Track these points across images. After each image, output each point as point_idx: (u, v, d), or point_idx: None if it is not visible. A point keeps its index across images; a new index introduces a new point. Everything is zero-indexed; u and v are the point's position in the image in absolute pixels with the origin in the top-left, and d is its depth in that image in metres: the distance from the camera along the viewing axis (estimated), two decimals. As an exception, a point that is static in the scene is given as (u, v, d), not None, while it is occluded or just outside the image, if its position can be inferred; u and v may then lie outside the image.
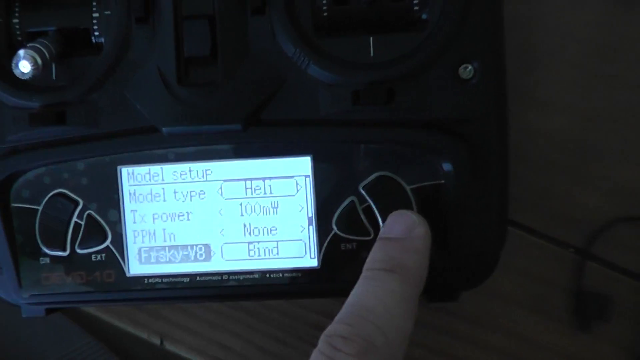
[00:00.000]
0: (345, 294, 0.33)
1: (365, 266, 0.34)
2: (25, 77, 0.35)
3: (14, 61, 0.35)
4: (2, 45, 0.38)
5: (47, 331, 0.57)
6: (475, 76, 0.35)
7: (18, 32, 0.38)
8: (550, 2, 0.43)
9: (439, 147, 0.35)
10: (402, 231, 0.34)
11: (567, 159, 0.43)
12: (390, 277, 0.33)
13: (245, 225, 0.37)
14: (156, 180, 0.37)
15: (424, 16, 0.36)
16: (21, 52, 0.35)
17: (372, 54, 0.35)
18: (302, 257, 0.37)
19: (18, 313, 0.43)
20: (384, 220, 0.36)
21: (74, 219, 0.38)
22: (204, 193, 0.37)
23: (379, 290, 0.32)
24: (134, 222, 0.38)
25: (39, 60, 0.35)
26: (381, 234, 0.35)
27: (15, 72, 0.35)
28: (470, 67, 0.35)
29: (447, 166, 0.35)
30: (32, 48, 0.35)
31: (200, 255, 0.37)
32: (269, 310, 0.43)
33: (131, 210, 0.38)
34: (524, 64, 0.42)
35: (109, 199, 0.38)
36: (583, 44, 0.42)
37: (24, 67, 0.35)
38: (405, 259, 0.33)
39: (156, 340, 0.44)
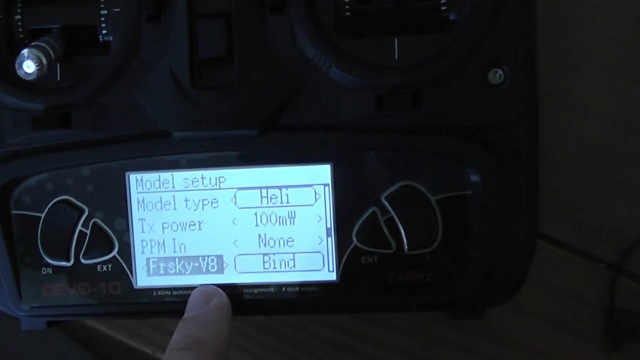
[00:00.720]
0: (366, 309, 0.34)
1: (168, 347, 0.35)
2: (29, 78, 0.36)
3: (17, 61, 0.35)
4: (3, 43, 0.39)
5: (42, 347, 0.58)
6: (506, 81, 0.35)
7: (20, 30, 0.38)
8: (582, 2, 0.43)
9: (466, 155, 0.36)
10: (199, 307, 0.36)
11: (600, 168, 0.43)
12: (186, 355, 0.34)
13: (260, 236, 0.37)
14: (166, 188, 0.38)
15: (452, 17, 0.36)
16: (25, 51, 0.35)
17: (396, 57, 0.36)
18: (320, 270, 0.37)
19: (12, 328, 0.43)
20: (407, 233, 0.36)
21: (79, 227, 0.38)
22: (217, 201, 0.37)
23: None
24: (142, 232, 0.38)
25: (44, 60, 0.36)
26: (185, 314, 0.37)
27: (19, 72, 0.35)
28: (500, 72, 0.35)
29: (474, 176, 0.36)
30: (36, 47, 0.36)
31: (213, 267, 0.38)
32: (282, 325, 0.44)
33: (139, 219, 0.38)
34: (555, 67, 0.43)
35: (116, 206, 0.38)
36: (617, 45, 0.43)
37: (28, 67, 0.36)
38: (200, 334, 0.35)
39: (162, 356, 0.45)
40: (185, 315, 0.36)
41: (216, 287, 0.37)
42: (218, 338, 0.35)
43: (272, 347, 0.44)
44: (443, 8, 0.36)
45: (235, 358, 0.44)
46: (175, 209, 0.38)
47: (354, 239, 0.37)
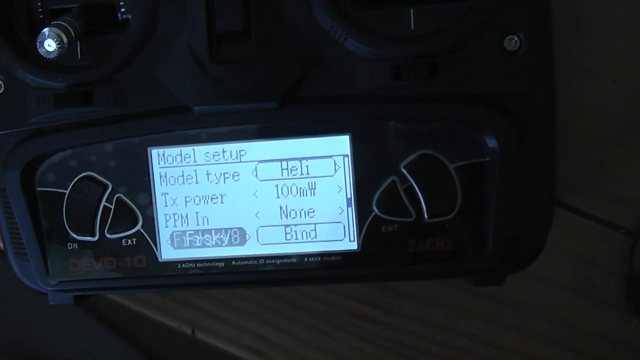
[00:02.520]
0: (387, 278, 0.35)
1: None
2: (51, 56, 0.37)
3: (38, 40, 0.37)
4: (23, 23, 0.40)
5: (62, 325, 0.60)
6: (521, 48, 0.36)
7: (40, 10, 0.40)
8: (598, -32, 0.44)
9: (483, 122, 0.37)
10: None
11: (618, 134, 0.44)
12: None
13: (281, 208, 0.39)
14: (188, 162, 0.39)
15: (467, -16, 0.37)
16: (46, 30, 0.37)
17: (412, 27, 0.37)
18: (341, 240, 0.39)
19: (37, 309, 0.45)
20: (426, 201, 0.38)
21: (103, 202, 0.40)
22: (238, 174, 0.39)
23: None
24: (166, 206, 0.40)
25: (65, 39, 0.37)
26: None
27: (40, 51, 0.37)
28: (516, 39, 0.36)
29: (492, 143, 0.37)
30: (56, 26, 0.37)
31: (235, 239, 0.39)
32: (305, 297, 0.46)
33: (162, 193, 0.40)
34: (572, 34, 0.43)
35: (139, 181, 0.40)
36: (634, 12, 0.44)
37: (50, 45, 0.37)
38: None
39: (188, 330, 0.46)
40: None
41: None
42: None
43: (295, 318, 0.46)
44: (459, -25, 0.37)
45: (259, 330, 0.46)
46: (197, 182, 0.39)
47: (374, 208, 0.38)
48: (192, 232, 0.40)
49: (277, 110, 0.38)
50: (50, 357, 0.58)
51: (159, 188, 0.40)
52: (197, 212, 0.39)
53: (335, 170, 0.38)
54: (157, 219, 0.40)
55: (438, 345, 0.45)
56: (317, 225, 0.39)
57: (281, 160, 0.39)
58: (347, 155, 0.38)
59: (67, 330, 0.59)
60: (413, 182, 0.38)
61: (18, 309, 0.55)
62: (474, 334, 0.45)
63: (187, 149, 0.39)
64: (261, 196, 0.39)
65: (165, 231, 0.40)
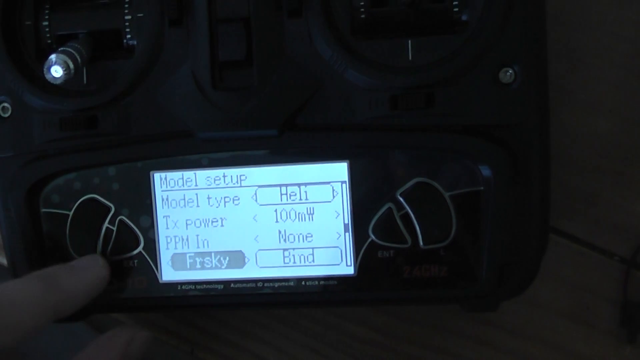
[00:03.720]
0: (383, 302, 0.36)
1: None
2: (57, 82, 0.38)
3: (45, 66, 0.38)
4: (31, 48, 0.42)
5: (65, 339, 0.61)
6: (516, 80, 0.38)
7: (48, 35, 0.41)
8: (595, 0, 0.45)
9: (478, 152, 0.38)
10: (82, 262, 0.41)
11: (612, 164, 0.45)
12: (35, 281, 0.38)
13: (280, 232, 0.40)
14: (189, 186, 0.41)
15: (464, 17, 0.38)
16: (53, 56, 0.38)
17: (410, 58, 0.38)
18: (338, 265, 0.40)
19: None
20: (421, 228, 0.39)
21: (106, 224, 0.41)
22: (238, 199, 0.40)
23: (20, 286, 0.38)
24: (167, 228, 0.41)
25: (71, 65, 0.39)
26: None
27: (47, 76, 0.38)
28: (511, 71, 0.38)
29: (486, 172, 0.38)
30: (63, 52, 0.39)
31: (234, 262, 0.41)
32: (303, 319, 0.47)
33: (164, 216, 0.41)
34: (568, 64, 0.45)
35: (141, 204, 0.41)
36: (630, 43, 0.45)
37: (56, 71, 0.38)
38: (61, 275, 0.39)
39: (186, 349, 0.47)
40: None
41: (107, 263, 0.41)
42: (74, 289, 0.39)
43: (293, 338, 0.47)
44: (455, 9, 0.39)
45: (257, 349, 0.47)
46: (198, 206, 0.41)
47: (371, 234, 0.40)
48: (193, 254, 0.41)
49: (277, 137, 0.39)
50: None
51: (161, 211, 0.41)
52: (197, 235, 0.41)
53: (334, 196, 0.40)
54: (159, 241, 0.41)
55: (434, 368, 0.46)
56: (314, 249, 0.40)
57: (280, 185, 0.40)
58: (345, 181, 0.40)
59: (67, 344, 0.61)
60: (409, 209, 0.39)
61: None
62: (469, 357, 0.46)
63: (188, 173, 0.41)
64: (260, 220, 0.40)
65: (166, 253, 0.41)
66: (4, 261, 0.50)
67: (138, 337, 0.41)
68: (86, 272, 0.40)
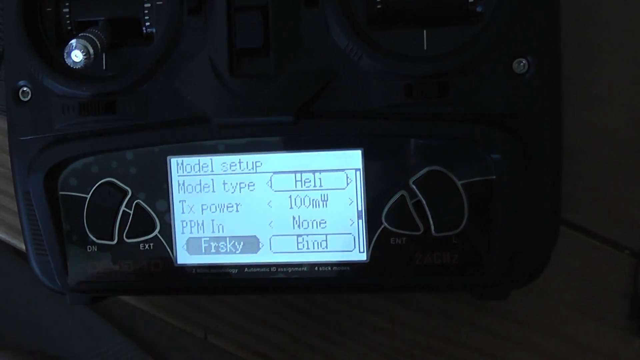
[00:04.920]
0: (394, 289, 0.37)
1: None
2: (77, 67, 0.40)
3: (66, 50, 0.40)
4: (51, 34, 0.43)
5: (76, 329, 0.62)
6: (529, 71, 0.39)
7: (68, 22, 0.43)
8: (608, -4, 0.46)
9: (491, 142, 0.39)
10: None
11: (624, 158, 0.46)
12: None
13: (294, 218, 0.41)
14: (205, 171, 0.42)
15: (478, 9, 0.39)
16: (73, 41, 0.40)
17: (425, 47, 0.39)
18: (351, 251, 0.41)
19: (50, 310, 0.47)
20: (434, 216, 0.40)
21: (123, 208, 0.42)
22: (254, 185, 0.41)
23: None
24: (183, 213, 0.42)
25: (91, 50, 0.40)
26: None
27: (67, 61, 0.40)
28: (524, 62, 0.39)
29: (498, 161, 0.39)
30: (84, 37, 0.40)
31: (248, 246, 0.42)
32: (314, 306, 0.48)
33: (180, 201, 0.42)
34: (580, 59, 0.46)
35: (158, 188, 0.42)
36: (642, 39, 0.46)
37: (76, 56, 0.40)
38: None
39: (200, 334, 0.49)
40: None
41: None
42: None
43: (305, 326, 0.48)
44: (470, 1, 0.39)
45: (269, 336, 0.48)
46: (214, 191, 0.42)
47: (384, 221, 0.41)
48: (208, 238, 0.42)
49: (293, 124, 0.40)
50: (66, 357, 0.60)
51: (177, 195, 0.42)
52: (212, 220, 0.42)
53: (347, 184, 0.41)
54: (174, 225, 0.42)
55: (443, 357, 0.47)
56: (328, 235, 0.41)
57: (295, 172, 0.41)
58: (359, 169, 0.41)
59: (82, 333, 0.62)
60: (421, 197, 0.40)
61: (36, 311, 0.58)
62: (478, 347, 0.47)
63: (205, 159, 0.42)
64: (275, 206, 0.41)
65: (181, 237, 0.42)
66: (22, 246, 0.51)
67: None
68: None
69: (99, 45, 0.40)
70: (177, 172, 0.42)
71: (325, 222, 0.41)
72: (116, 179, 0.43)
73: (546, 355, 0.46)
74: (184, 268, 0.42)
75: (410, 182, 0.40)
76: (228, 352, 0.48)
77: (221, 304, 0.49)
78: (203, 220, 0.42)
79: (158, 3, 0.42)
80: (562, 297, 0.46)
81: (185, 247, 0.42)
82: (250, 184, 0.42)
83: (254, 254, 0.42)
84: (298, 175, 0.41)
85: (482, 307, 0.47)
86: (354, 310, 0.48)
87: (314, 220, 0.41)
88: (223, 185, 0.42)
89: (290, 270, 0.42)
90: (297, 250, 0.41)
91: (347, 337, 0.48)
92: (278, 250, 0.42)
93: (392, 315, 0.47)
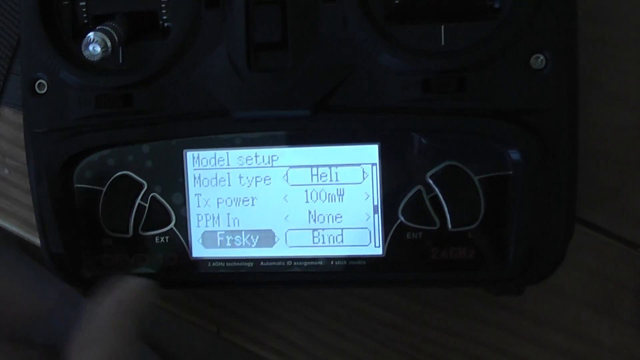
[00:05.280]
0: (410, 284, 0.37)
1: None
2: (94, 59, 0.40)
3: (83, 43, 0.40)
4: (68, 28, 0.43)
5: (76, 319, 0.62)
6: (547, 66, 0.39)
7: (85, 15, 0.43)
8: (625, -6, 0.46)
9: (508, 137, 0.39)
10: None
11: (638, 157, 0.46)
12: None
13: (310, 212, 0.41)
14: (221, 165, 0.42)
15: (496, 5, 0.40)
16: (91, 34, 0.40)
17: (443, 43, 0.40)
18: (367, 246, 0.41)
19: (55, 307, 0.47)
20: (450, 211, 0.40)
21: (138, 201, 0.43)
22: (270, 179, 0.42)
23: None
24: (198, 206, 0.42)
25: (109, 43, 0.40)
26: None
27: (85, 53, 0.40)
28: (542, 57, 0.39)
29: (515, 157, 0.39)
30: (101, 31, 0.40)
31: (264, 240, 0.42)
32: (329, 302, 0.48)
33: (195, 194, 0.42)
34: (598, 57, 0.46)
35: (174, 182, 0.42)
36: (659, 36, 0.46)
37: (94, 49, 0.40)
38: None
39: (213, 329, 0.49)
40: None
41: None
42: None
43: (318, 321, 0.48)
44: (488, -4, 0.40)
45: (282, 331, 0.48)
46: (229, 185, 0.42)
47: (400, 215, 0.41)
48: (223, 232, 0.42)
49: (310, 118, 0.40)
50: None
51: (193, 189, 0.42)
52: (228, 214, 0.42)
53: (364, 178, 0.41)
54: (190, 218, 0.42)
55: (457, 353, 0.47)
56: (344, 230, 0.41)
57: (311, 166, 0.41)
58: (376, 164, 0.41)
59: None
60: (438, 192, 0.40)
61: (47, 306, 0.58)
62: (492, 344, 0.47)
63: (221, 153, 0.42)
64: (291, 200, 0.42)
65: (197, 230, 0.42)
66: (35, 240, 0.51)
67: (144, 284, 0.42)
68: None
69: (116, 38, 0.40)
70: (193, 166, 0.42)
71: (341, 216, 0.41)
72: (132, 172, 0.43)
73: (559, 352, 0.46)
74: (199, 261, 0.43)
75: (427, 177, 0.40)
76: (241, 346, 0.48)
77: (234, 299, 0.49)
78: (219, 214, 0.42)
79: (175, -3, 0.42)
80: (575, 294, 0.46)
81: (200, 240, 0.42)
82: (266, 178, 0.42)
83: (269, 248, 0.42)
84: (314, 169, 0.41)
85: (495, 304, 0.47)
86: (367, 307, 0.48)
87: (330, 214, 0.41)
88: (239, 179, 0.42)
89: (305, 265, 0.42)
90: (312, 245, 0.42)
91: (361, 333, 0.48)
92: (294, 244, 0.42)
93: (406, 311, 0.47)
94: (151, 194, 0.43)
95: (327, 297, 0.48)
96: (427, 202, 0.40)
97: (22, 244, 0.61)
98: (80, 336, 0.39)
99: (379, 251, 0.41)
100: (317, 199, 0.41)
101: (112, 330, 0.39)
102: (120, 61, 0.42)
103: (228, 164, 0.42)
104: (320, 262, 0.42)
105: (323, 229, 0.41)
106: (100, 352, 0.38)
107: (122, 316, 0.40)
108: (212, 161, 0.42)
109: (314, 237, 0.42)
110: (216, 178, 0.42)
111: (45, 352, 0.56)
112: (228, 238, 0.42)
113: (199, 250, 0.42)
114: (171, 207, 0.42)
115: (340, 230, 0.41)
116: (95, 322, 0.39)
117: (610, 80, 0.46)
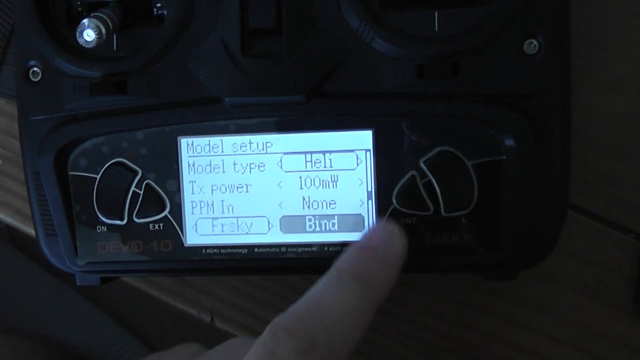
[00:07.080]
0: (403, 269, 0.37)
1: (335, 264, 0.36)
2: (89, 46, 0.40)
3: (78, 30, 0.40)
4: (62, 14, 0.43)
5: (77, 319, 0.62)
6: (540, 52, 0.39)
7: (78, 2, 0.43)
8: (617, -18, 0.47)
9: (501, 122, 0.39)
10: (381, 241, 0.37)
11: (632, 144, 0.46)
12: (354, 284, 0.35)
13: (304, 198, 0.41)
14: (216, 152, 0.42)
15: (489, -9, 0.40)
16: (85, 21, 0.40)
17: (436, 28, 0.40)
18: (361, 231, 0.41)
19: (54, 299, 0.47)
20: (444, 196, 0.40)
21: (133, 188, 0.43)
22: (264, 165, 0.42)
23: (339, 294, 0.35)
24: (193, 193, 0.42)
25: (103, 30, 0.40)
26: (360, 239, 0.38)
27: (79, 40, 0.40)
28: (535, 42, 0.39)
29: (509, 142, 0.39)
30: (96, 17, 0.40)
31: (259, 227, 0.42)
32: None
33: (190, 181, 0.42)
34: (590, 44, 0.46)
35: (168, 169, 0.42)
36: (651, 24, 0.46)
37: (89, 35, 0.40)
38: (375, 270, 0.36)
39: (207, 318, 0.49)
40: (363, 242, 0.38)
41: (402, 230, 0.38)
42: (388, 282, 0.36)
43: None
44: (481, -18, 0.40)
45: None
46: (224, 172, 0.42)
47: (394, 201, 0.41)
48: (217, 219, 0.42)
49: (304, 104, 0.40)
50: (70, 346, 0.60)
51: (187, 176, 0.42)
52: (222, 201, 0.42)
53: (358, 164, 0.41)
54: (184, 205, 0.42)
55: (451, 340, 0.47)
56: (338, 216, 0.41)
57: (305, 152, 0.41)
58: (370, 150, 0.41)
59: (84, 323, 0.62)
60: (432, 178, 0.40)
61: (40, 300, 0.58)
62: (486, 331, 0.47)
63: (215, 140, 0.42)
64: (285, 187, 0.42)
65: (191, 217, 0.42)
66: (29, 230, 0.51)
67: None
68: (392, 256, 0.37)
69: (110, 25, 0.40)
70: (188, 153, 0.42)
71: (335, 202, 0.41)
72: (126, 159, 0.43)
73: (553, 338, 0.47)
74: (194, 248, 0.42)
75: (421, 163, 0.40)
76: (234, 335, 0.48)
77: (228, 287, 0.49)
78: (213, 201, 0.42)
79: (169, -16, 0.42)
80: (569, 280, 0.47)
81: (195, 227, 0.42)
82: (260, 165, 0.42)
83: (263, 235, 0.42)
84: (308, 155, 0.41)
85: (490, 291, 0.47)
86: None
87: (324, 200, 0.41)
88: (233, 166, 0.42)
89: (300, 251, 0.42)
90: (306, 231, 0.42)
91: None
92: (288, 230, 0.42)
93: (398, 299, 0.47)
94: (145, 181, 0.42)
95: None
96: (421, 188, 0.40)
97: (17, 235, 0.61)
98: None
99: (373, 237, 0.41)
100: (311, 185, 0.41)
101: None
102: (115, 48, 0.42)
103: (222, 151, 0.42)
104: (315, 248, 0.42)
105: (317, 215, 0.41)
106: None
107: None
108: (207, 148, 0.42)
109: (308, 224, 0.42)
110: (210, 165, 0.42)
111: (35, 342, 0.56)
112: (222, 225, 0.42)
113: (193, 238, 0.42)
114: (165, 194, 0.42)
115: (334, 216, 0.41)
116: None
117: (602, 67, 0.46)
